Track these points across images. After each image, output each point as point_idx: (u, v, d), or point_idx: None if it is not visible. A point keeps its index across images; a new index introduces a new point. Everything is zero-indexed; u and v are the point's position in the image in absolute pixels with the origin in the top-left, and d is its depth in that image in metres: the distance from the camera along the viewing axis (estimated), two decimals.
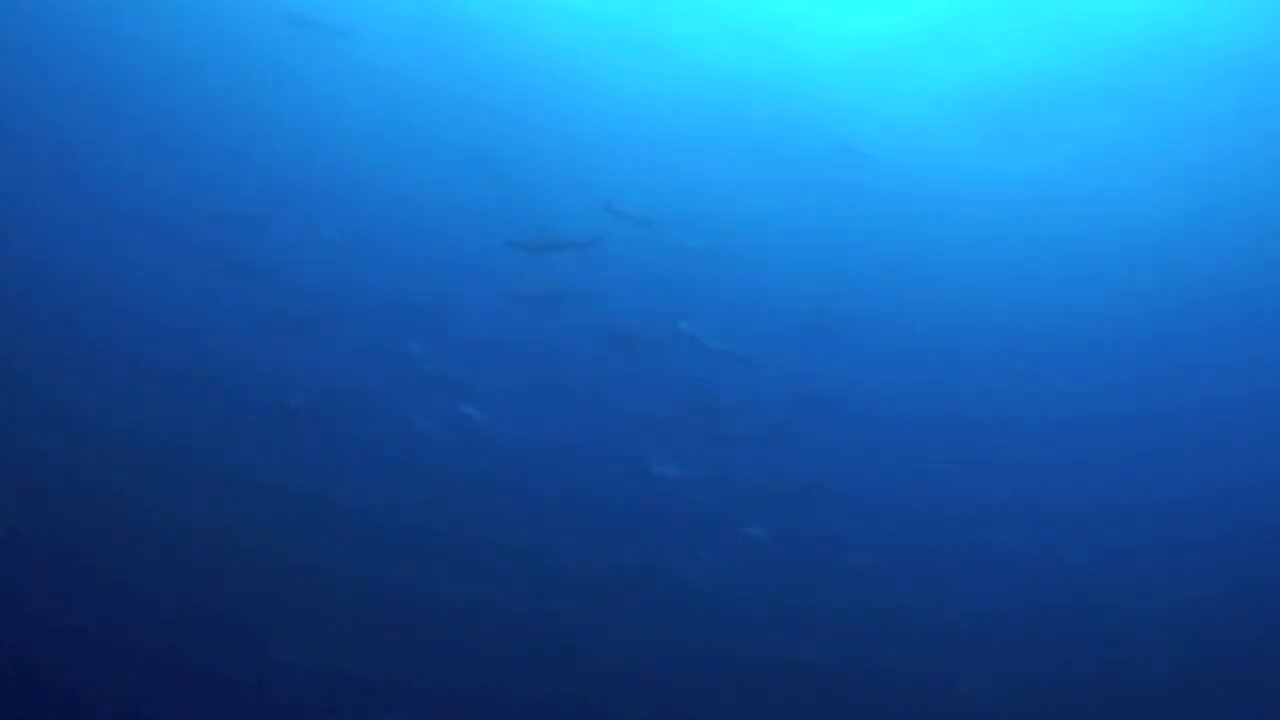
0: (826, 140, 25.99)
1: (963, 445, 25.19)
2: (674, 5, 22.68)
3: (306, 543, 15.23)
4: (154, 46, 25.62)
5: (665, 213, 20.43)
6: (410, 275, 28.59)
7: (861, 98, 25.76)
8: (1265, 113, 23.97)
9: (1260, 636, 16.22)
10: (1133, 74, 23.54)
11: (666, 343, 18.50)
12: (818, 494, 15.59)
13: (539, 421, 20.21)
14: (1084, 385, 29.73)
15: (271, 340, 19.75)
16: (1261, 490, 24.19)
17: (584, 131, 27.62)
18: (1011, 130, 27.21)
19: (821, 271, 32.75)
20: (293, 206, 27.88)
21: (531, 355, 22.42)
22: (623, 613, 15.13)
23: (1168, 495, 23.71)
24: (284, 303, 21.46)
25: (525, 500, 18.24)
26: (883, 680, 14.36)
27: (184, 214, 25.69)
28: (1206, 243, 29.73)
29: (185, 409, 18.91)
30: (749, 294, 31.59)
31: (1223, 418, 28.79)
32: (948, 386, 28.82)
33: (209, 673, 11.44)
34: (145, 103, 27.90)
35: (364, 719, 11.37)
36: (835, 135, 26.41)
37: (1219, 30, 21.26)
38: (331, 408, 18.28)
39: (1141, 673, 15.15)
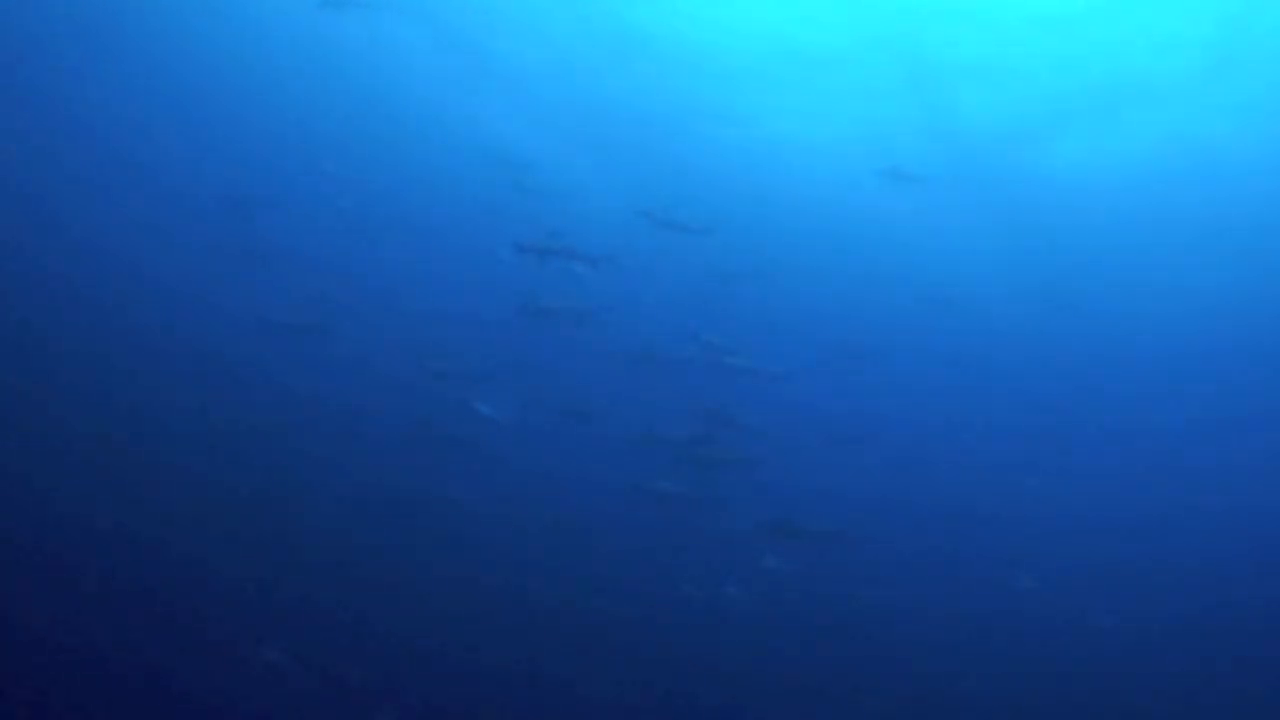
0: (873, 165, 25.54)
1: (991, 486, 24.51)
2: None
3: (306, 540, 14.96)
4: (177, 25, 25.53)
5: (704, 222, 20.15)
6: (427, 274, 28.30)
7: (916, 123, 25.40)
8: None
9: None
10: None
11: (689, 357, 18.06)
12: (837, 531, 15.02)
13: (548, 433, 19.83)
14: (1122, 430, 29.02)
15: (280, 332, 19.50)
16: None
17: (618, 132, 27.31)
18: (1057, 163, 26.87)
19: (861, 297, 32.29)
20: (307, 197, 27.68)
21: (547, 365, 22.06)
22: (621, 632, 14.71)
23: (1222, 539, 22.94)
24: (292, 295, 21.26)
25: (527, 515, 17.90)
26: None
27: (199, 200, 25.57)
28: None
29: (190, 401, 18.67)
30: (783, 313, 31.11)
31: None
32: (980, 425, 28.18)
33: (196, 671, 11.15)
34: (164, 81, 27.80)
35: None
36: (882, 160, 26.01)
37: None
38: (338, 401, 18.02)
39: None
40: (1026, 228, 29.57)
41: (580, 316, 17.64)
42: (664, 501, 15.52)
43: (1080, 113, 24.30)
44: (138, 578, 12.45)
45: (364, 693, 11.70)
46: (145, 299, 23.36)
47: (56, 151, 28.16)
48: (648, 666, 14.00)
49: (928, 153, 26.48)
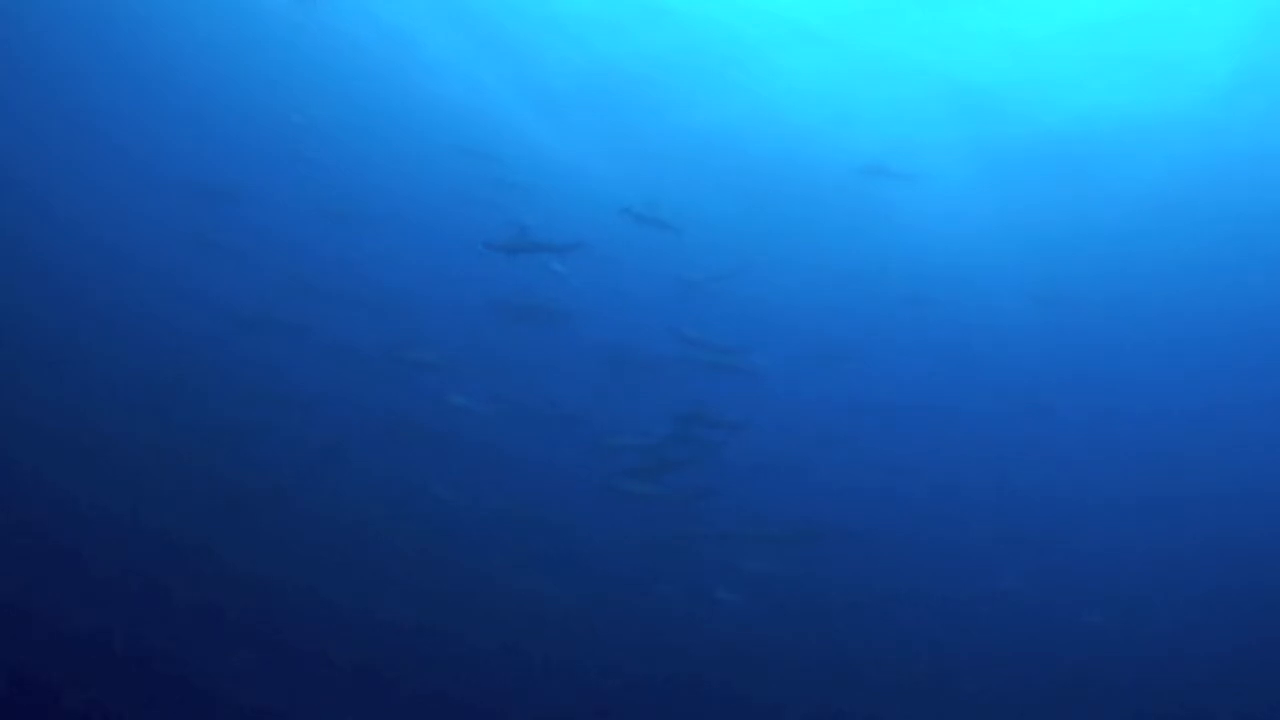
0: (856, 162, 25.34)
1: (978, 484, 24.39)
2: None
3: (282, 532, 14.69)
4: (158, 12, 25.22)
5: (688, 217, 19.88)
6: (402, 267, 27.98)
7: (896, 122, 25.31)
8: None
9: None
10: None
11: (669, 354, 17.86)
12: (823, 530, 14.82)
13: (527, 429, 19.58)
14: (1109, 426, 28.98)
15: (260, 325, 19.25)
16: None
17: (600, 131, 27.09)
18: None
19: (845, 298, 32.12)
20: (281, 188, 27.37)
21: (525, 361, 21.82)
22: (603, 633, 14.50)
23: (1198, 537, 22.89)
24: (270, 287, 20.98)
25: (506, 511, 17.65)
26: None
27: (176, 189, 25.19)
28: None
29: (170, 394, 18.36)
30: (768, 310, 30.91)
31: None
32: (968, 423, 28.06)
33: (171, 665, 10.85)
34: (147, 70, 27.47)
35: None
36: (868, 156, 25.87)
37: None
38: (316, 393, 17.79)
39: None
40: (1018, 222, 29.56)
41: (560, 313, 17.42)
42: (643, 501, 15.26)
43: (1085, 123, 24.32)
44: (110, 570, 12.19)
45: (340, 687, 11.47)
46: (125, 291, 23.11)
47: (45, 146, 27.87)
48: (629, 669, 13.77)
49: (918, 147, 26.41)
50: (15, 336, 18.77)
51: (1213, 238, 28.87)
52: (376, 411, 18.68)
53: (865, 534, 19.97)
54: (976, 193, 28.76)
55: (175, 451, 16.30)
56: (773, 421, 22.16)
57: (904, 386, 29.56)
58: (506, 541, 16.92)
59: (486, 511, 17.54)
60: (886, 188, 27.67)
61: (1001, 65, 22.70)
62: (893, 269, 31.95)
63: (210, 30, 26.22)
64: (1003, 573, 19.70)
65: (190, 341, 20.90)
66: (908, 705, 14.22)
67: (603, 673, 13.48)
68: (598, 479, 14.13)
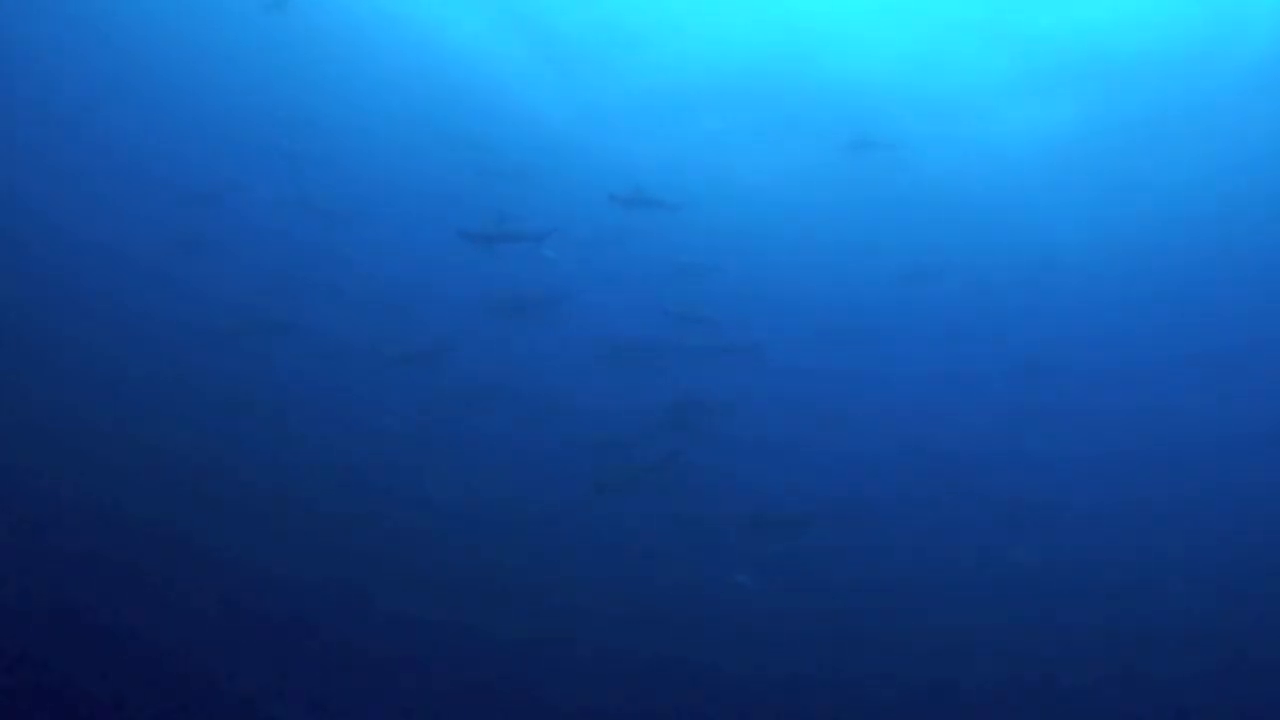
0: (860, 132, 25.02)
1: (984, 457, 24.23)
2: None
3: (272, 528, 14.57)
4: (152, 22, 25.17)
5: (684, 202, 19.68)
6: (397, 261, 27.87)
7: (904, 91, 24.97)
8: None
9: None
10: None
11: (668, 340, 17.73)
12: (828, 513, 14.69)
13: (521, 419, 19.46)
14: (1113, 403, 28.80)
15: (246, 325, 19.14)
16: None
17: (591, 116, 26.87)
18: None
19: (847, 277, 31.92)
20: (273, 186, 27.27)
21: (520, 356, 21.73)
22: (604, 626, 14.38)
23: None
24: (261, 286, 20.90)
25: (502, 503, 17.55)
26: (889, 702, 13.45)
27: (163, 190, 25.20)
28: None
29: (156, 401, 18.28)
30: (763, 293, 30.70)
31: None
32: (969, 395, 27.89)
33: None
34: (131, 69, 27.38)
35: None
36: (872, 128, 25.58)
37: None
38: (309, 397, 17.70)
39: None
40: (1004, 193, 29.32)
41: (557, 301, 17.31)
42: (648, 490, 15.14)
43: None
44: (107, 569, 12.11)
45: (339, 683, 11.38)
46: (121, 293, 23.06)
47: (40, 151, 27.82)
48: (633, 663, 13.66)
49: (904, 119, 26.11)
50: (12, 337, 18.71)
51: (1246, 199, 28.53)
52: (374, 407, 18.59)
53: (878, 509, 19.88)
54: (996, 169, 28.51)
55: (173, 451, 16.24)
56: (775, 401, 22.03)
57: (903, 363, 29.40)
58: (511, 535, 16.80)
59: (488, 505, 17.44)
60: (888, 161, 27.47)
61: (1060, 24, 22.07)
62: (882, 243, 31.79)
63: (202, 31, 26.15)
64: (1017, 542, 19.58)
65: (186, 341, 20.83)
66: (929, 680, 14.09)
67: (624, 662, 13.39)
68: (601, 468, 14.04)
